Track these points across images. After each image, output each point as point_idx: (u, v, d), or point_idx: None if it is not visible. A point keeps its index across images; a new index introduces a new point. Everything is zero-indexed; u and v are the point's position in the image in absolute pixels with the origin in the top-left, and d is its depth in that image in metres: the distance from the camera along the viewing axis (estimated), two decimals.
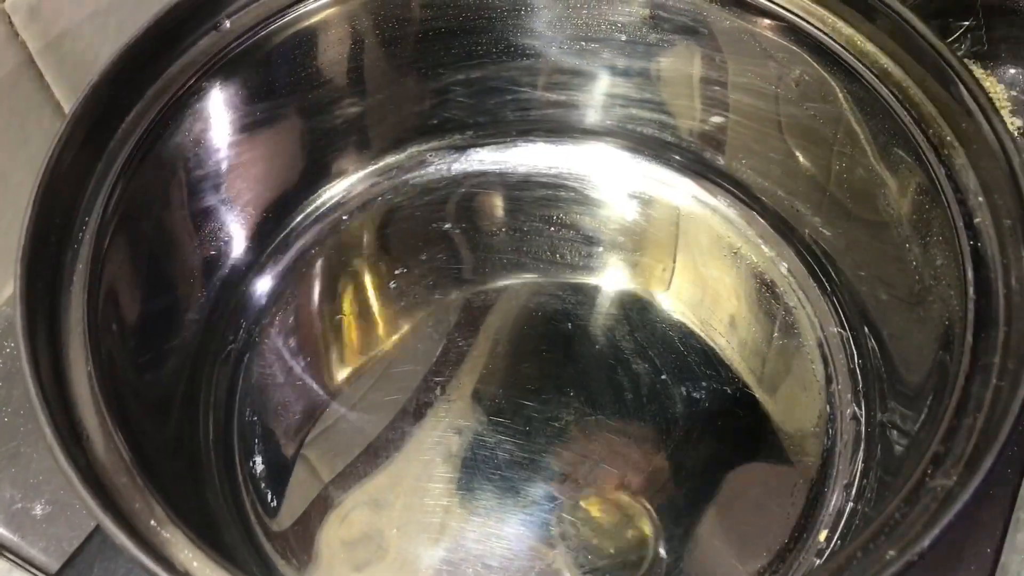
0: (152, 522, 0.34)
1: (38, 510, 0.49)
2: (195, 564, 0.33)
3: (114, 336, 0.41)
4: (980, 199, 0.40)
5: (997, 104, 0.63)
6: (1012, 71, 0.64)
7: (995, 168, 0.40)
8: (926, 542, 0.31)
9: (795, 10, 0.46)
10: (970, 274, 0.39)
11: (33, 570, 0.49)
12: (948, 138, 0.42)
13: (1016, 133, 0.63)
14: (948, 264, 0.41)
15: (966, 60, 0.65)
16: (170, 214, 0.48)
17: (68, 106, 0.54)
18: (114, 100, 0.43)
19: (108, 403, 0.37)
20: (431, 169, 0.60)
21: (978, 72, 0.65)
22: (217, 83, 0.47)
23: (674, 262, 0.56)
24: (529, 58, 0.57)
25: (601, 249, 0.57)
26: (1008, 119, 0.63)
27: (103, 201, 0.42)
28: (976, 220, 0.40)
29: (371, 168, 0.59)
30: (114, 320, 0.42)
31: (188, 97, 0.46)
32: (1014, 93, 0.64)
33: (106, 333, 0.40)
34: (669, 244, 0.57)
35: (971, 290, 0.38)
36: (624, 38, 0.48)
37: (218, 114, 0.49)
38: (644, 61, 0.55)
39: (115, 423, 0.36)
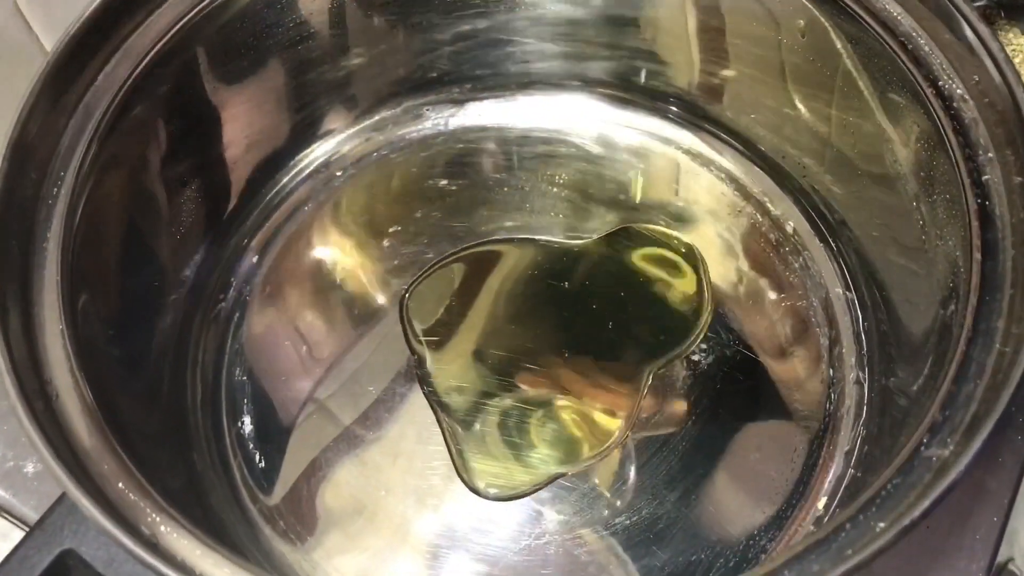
0: (120, 484, 0.33)
1: (29, 468, 0.49)
2: (163, 529, 0.32)
3: (93, 295, 0.41)
4: (990, 155, 0.38)
5: (1020, 56, 0.61)
6: None
7: (1006, 123, 0.38)
8: (917, 513, 0.30)
9: None
10: (977, 234, 0.37)
11: (25, 527, 0.49)
12: (958, 91, 0.40)
13: None
14: (955, 223, 0.39)
15: (989, 10, 0.62)
16: (153, 169, 0.47)
17: None
18: (91, 52, 0.42)
19: (81, 362, 0.36)
20: (428, 124, 0.58)
21: (1002, 23, 0.62)
22: (198, 37, 0.46)
23: (675, 220, 0.55)
24: (527, 8, 0.55)
25: (602, 207, 0.55)
26: None
27: (80, 156, 0.41)
28: (985, 177, 0.38)
29: (366, 123, 0.57)
30: (93, 278, 0.41)
31: (168, 51, 0.44)
32: None
33: (83, 291, 0.40)
34: (670, 201, 0.56)
35: (977, 251, 0.36)
36: None
37: (200, 69, 0.47)
38: (641, 9, 0.53)
39: (88, 383, 0.36)
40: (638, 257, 0.53)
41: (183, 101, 0.47)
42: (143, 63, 0.43)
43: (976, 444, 0.31)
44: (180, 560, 0.31)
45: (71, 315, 0.37)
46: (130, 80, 0.43)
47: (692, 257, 0.53)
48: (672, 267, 0.53)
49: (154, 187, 0.47)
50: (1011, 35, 0.62)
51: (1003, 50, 0.38)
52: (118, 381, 0.41)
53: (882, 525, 0.31)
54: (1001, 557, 0.50)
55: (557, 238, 0.54)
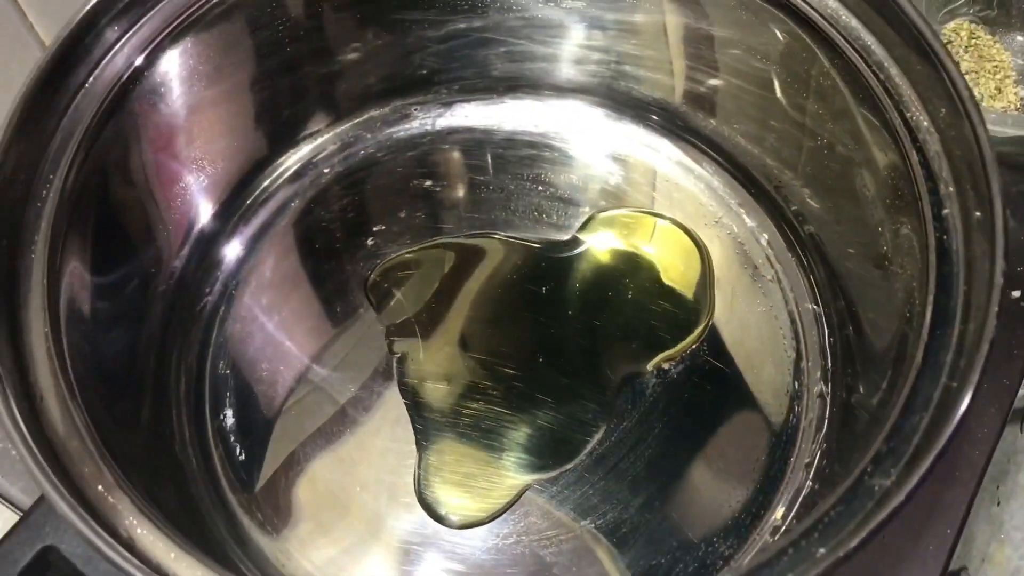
0: (100, 487, 0.34)
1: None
2: (140, 531, 0.33)
3: (79, 295, 0.42)
4: (951, 189, 0.39)
5: (1002, 72, 0.62)
6: (1020, 39, 0.62)
7: (968, 158, 0.39)
8: (855, 542, 0.31)
9: None
10: (934, 267, 0.38)
11: (12, 508, 0.51)
12: (924, 123, 0.41)
13: (1020, 104, 0.61)
14: (914, 254, 0.40)
15: (973, 24, 0.63)
16: (140, 170, 0.48)
17: None
18: (83, 54, 0.43)
19: (63, 364, 0.37)
20: (415, 124, 0.59)
21: (985, 38, 0.63)
22: (185, 39, 0.46)
23: (653, 228, 0.56)
24: (512, 12, 0.56)
25: (583, 211, 0.56)
26: (1012, 89, 0.61)
27: (69, 158, 0.41)
28: (945, 211, 0.39)
29: (353, 121, 0.58)
30: (80, 278, 0.42)
31: (157, 52, 0.45)
32: (1020, 62, 0.62)
33: (69, 293, 0.41)
34: (649, 209, 0.56)
35: (932, 284, 0.37)
36: None
37: (188, 70, 0.48)
38: (627, 16, 0.54)
39: (70, 385, 0.37)
40: (629, 252, 0.54)
41: (170, 103, 0.48)
42: (132, 66, 0.44)
43: (916, 476, 0.32)
44: (155, 563, 0.32)
45: (55, 318, 0.38)
46: (119, 84, 0.44)
47: (693, 251, 0.54)
48: (667, 265, 0.54)
49: (141, 188, 0.48)
50: (993, 51, 0.62)
51: (968, 87, 0.39)
52: (102, 377, 0.42)
53: (823, 551, 0.32)
54: (955, 565, 0.52)
55: (540, 238, 0.55)
